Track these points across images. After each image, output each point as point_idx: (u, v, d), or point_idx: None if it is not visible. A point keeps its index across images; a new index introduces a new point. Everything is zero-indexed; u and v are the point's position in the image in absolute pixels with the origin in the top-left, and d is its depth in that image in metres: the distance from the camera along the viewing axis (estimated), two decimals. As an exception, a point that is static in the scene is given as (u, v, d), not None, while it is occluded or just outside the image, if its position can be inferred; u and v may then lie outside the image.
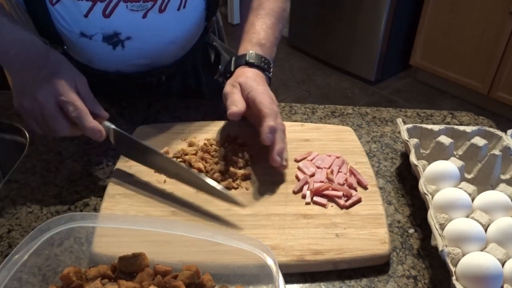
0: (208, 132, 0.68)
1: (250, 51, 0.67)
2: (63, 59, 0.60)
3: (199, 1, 0.74)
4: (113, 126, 0.59)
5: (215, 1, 0.79)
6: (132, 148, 0.59)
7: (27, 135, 0.70)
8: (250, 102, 0.61)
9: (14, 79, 0.60)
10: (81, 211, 0.57)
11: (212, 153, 0.63)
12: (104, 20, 0.67)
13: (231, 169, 0.60)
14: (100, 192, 0.59)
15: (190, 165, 0.61)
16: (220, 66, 0.85)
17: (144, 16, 0.69)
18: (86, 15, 0.66)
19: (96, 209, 0.57)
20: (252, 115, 0.63)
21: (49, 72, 0.56)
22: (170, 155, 0.63)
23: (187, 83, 0.85)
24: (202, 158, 0.61)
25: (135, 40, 0.71)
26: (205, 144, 0.64)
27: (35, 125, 0.59)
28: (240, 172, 0.60)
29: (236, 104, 0.60)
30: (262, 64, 0.67)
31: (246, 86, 0.62)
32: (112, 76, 0.77)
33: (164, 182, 0.59)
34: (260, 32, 0.70)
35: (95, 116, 0.57)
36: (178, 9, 0.71)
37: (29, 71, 0.58)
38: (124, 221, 0.47)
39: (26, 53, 0.59)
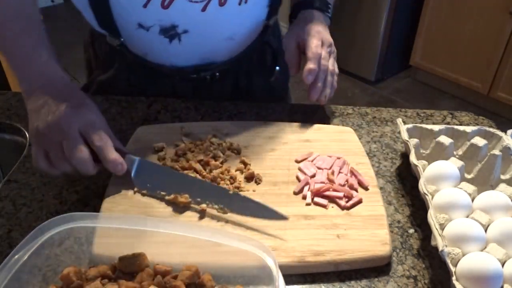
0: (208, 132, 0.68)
1: None
2: (87, 96, 0.59)
3: None
4: (137, 158, 0.58)
5: None
6: (155, 175, 0.57)
7: (27, 135, 0.70)
8: (302, 47, 0.71)
9: (31, 114, 0.56)
10: (81, 211, 0.57)
11: (215, 152, 0.63)
12: (163, 11, 0.67)
13: (232, 172, 0.60)
14: (100, 192, 0.59)
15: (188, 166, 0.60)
16: (277, 68, 0.84)
17: (204, 9, 0.67)
18: (145, 5, 0.66)
19: (96, 209, 0.57)
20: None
21: (76, 103, 0.56)
22: (171, 153, 0.63)
23: (239, 83, 0.83)
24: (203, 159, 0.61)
25: (192, 34, 0.71)
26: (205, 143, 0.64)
27: (44, 159, 0.55)
28: (241, 175, 0.60)
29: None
30: (320, 4, 0.75)
31: (300, 33, 0.72)
32: (166, 70, 0.76)
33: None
34: None
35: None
36: (239, 4, 0.70)
37: (53, 100, 0.55)
38: (124, 221, 0.47)
39: (53, 84, 0.58)
